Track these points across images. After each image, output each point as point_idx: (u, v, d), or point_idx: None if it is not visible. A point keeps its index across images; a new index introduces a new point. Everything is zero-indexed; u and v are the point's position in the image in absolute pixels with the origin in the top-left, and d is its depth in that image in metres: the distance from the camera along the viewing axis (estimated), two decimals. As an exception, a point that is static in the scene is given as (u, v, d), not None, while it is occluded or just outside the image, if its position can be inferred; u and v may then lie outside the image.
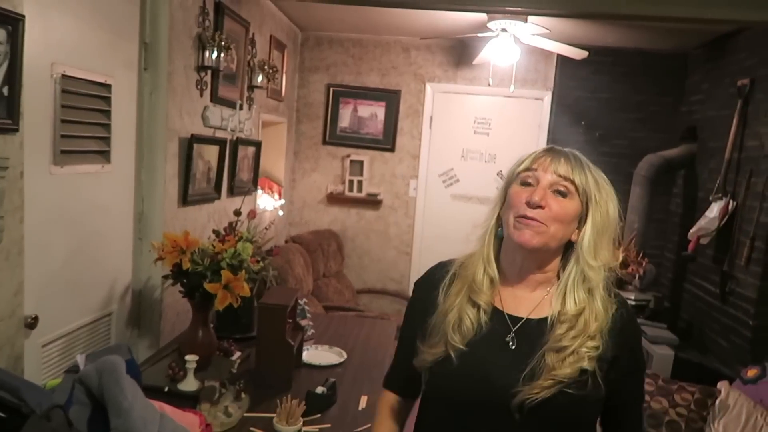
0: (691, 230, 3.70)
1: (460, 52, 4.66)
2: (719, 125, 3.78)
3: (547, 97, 4.65)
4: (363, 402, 1.91)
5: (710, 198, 3.64)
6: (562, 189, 1.08)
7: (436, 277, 1.21)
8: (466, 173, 4.76)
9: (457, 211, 4.73)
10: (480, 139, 4.73)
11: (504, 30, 3.68)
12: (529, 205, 1.06)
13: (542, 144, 4.65)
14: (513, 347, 1.10)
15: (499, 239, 1.17)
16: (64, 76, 1.89)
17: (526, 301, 1.13)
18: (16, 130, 1.60)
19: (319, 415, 1.77)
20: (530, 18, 3.61)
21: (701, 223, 3.61)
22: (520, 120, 4.70)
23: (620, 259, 1.09)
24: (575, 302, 1.08)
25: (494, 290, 1.15)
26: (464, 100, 4.75)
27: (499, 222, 1.15)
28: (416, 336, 1.18)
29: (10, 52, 1.53)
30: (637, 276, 3.97)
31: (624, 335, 1.10)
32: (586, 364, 1.04)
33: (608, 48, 4.44)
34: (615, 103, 4.59)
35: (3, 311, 1.57)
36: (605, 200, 1.11)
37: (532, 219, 1.06)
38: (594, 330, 1.06)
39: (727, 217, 3.47)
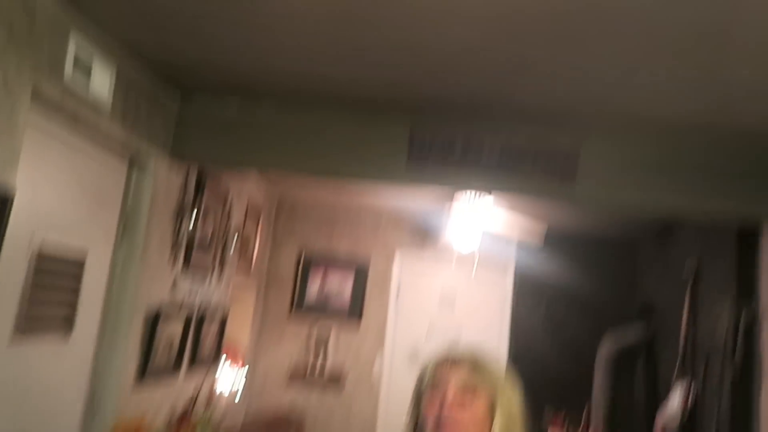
0: (656, 419, 3.65)
1: (428, 226, 4.78)
2: (673, 306, 3.88)
3: (510, 276, 4.79)
4: None
5: (672, 381, 3.64)
6: (468, 393, 1.15)
7: None
8: (431, 351, 4.70)
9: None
10: (445, 313, 4.76)
11: (468, 211, 3.86)
12: (440, 414, 1.13)
13: (506, 322, 4.71)
14: None
15: None
16: (39, 255, 1.86)
17: None
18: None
19: None
20: (494, 202, 3.81)
21: (666, 411, 3.58)
22: (485, 296, 4.80)
23: None
24: None
25: None
26: (431, 275, 4.85)
27: (417, 420, 1.20)
28: None
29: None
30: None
31: None
32: None
33: (566, 231, 4.70)
34: (573, 282, 4.75)
35: None
36: (509, 395, 1.18)
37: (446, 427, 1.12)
38: None
39: (691, 401, 3.45)
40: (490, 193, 3.80)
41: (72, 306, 2.08)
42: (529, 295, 4.77)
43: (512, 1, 1.58)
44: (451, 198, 4.01)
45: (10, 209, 1.57)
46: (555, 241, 4.52)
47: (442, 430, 1.12)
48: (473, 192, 3.77)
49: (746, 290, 3.09)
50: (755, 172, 2.65)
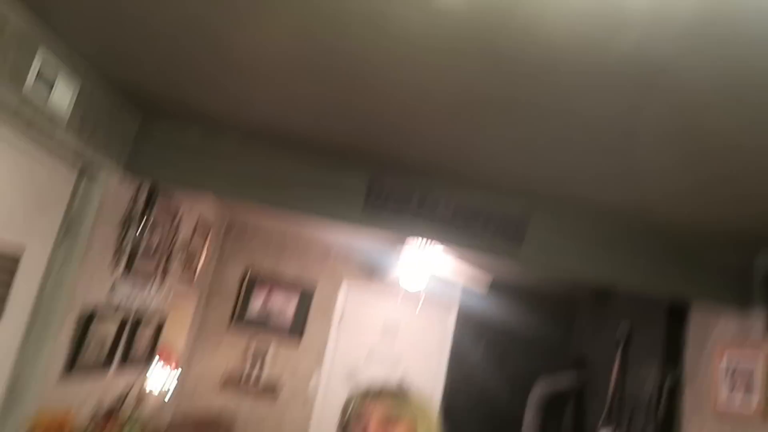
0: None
1: (376, 261, 4.89)
2: (605, 360, 4.05)
3: (452, 316, 4.91)
4: None
5: (597, 429, 3.78)
6: (388, 425, 1.22)
7: None
8: (369, 375, 4.78)
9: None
10: (387, 341, 4.84)
11: (416, 253, 3.98)
12: None
13: (445, 356, 4.81)
14: None
15: None
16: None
17: None
18: None
19: None
20: (444, 248, 3.94)
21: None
22: (427, 331, 4.91)
23: None
24: None
25: None
26: (375, 304, 4.96)
27: None
28: None
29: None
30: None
31: None
32: None
33: (510, 283, 4.85)
34: (514, 327, 4.90)
35: None
36: (428, 423, 1.26)
37: None
38: None
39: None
40: (441, 243, 3.95)
41: (1, 297, 2.09)
42: (469, 334, 4.91)
43: (462, 84, 1.71)
44: (402, 241, 4.13)
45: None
46: (499, 289, 4.72)
47: None
48: (425, 239, 3.91)
49: (672, 357, 3.32)
50: (684, 259, 2.89)
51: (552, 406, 4.42)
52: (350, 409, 1.28)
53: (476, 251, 2.96)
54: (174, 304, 3.91)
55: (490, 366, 4.82)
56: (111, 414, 2.02)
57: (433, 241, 3.76)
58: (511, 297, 4.93)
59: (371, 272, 4.95)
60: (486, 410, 4.71)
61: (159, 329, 3.56)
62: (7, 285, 2.11)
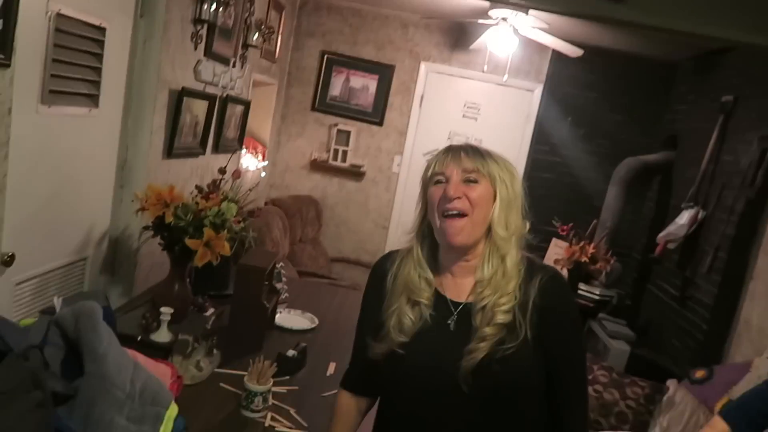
0: (660, 234, 3.82)
1: (457, 35, 4.65)
2: (699, 137, 3.87)
3: (538, 90, 4.69)
4: (331, 368, 1.96)
5: (682, 205, 3.75)
6: (471, 178, 1.18)
7: (384, 269, 1.30)
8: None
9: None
10: (468, 123, 4.76)
11: (504, 19, 3.69)
12: (447, 199, 1.16)
13: (528, 135, 4.71)
14: (453, 329, 1.19)
15: (429, 238, 1.25)
16: (59, 14, 1.85)
17: (465, 286, 1.22)
18: (8, 66, 1.58)
19: (288, 378, 1.82)
20: (531, 11, 3.62)
21: (670, 228, 3.72)
22: (510, 109, 4.74)
23: (528, 227, 1.23)
24: (489, 268, 1.19)
25: (433, 283, 1.24)
26: (456, 83, 4.76)
27: (427, 223, 1.24)
28: (369, 330, 1.27)
29: (9, -16, 1.49)
30: (603, 272, 4.09)
31: (545, 288, 1.17)
32: (500, 318, 1.13)
33: (603, 48, 4.48)
34: (603, 102, 4.65)
35: (-19, 246, 1.56)
36: (509, 178, 1.21)
37: (454, 210, 1.16)
38: (510, 288, 1.16)
39: (695, 225, 3.59)
40: (527, 12, 3.58)
41: (96, 75, 2.11)
42: (555, 111, 4.70)
43: None
44: (485, 13, 3.79)
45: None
46: (590, 56, 4.31)
47: (447, 212, 1.17)
48: (511, 8, 3.56)
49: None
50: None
51: (637, 182, 4.36)
52: (431, 166, 1.23)
53: (572, 14, 2.67)
54: (256, 88, 3.91)
55: (576, 143, 4.69)
56: (210, 190, 2.11)
57: (520, 8, 3.43)
58: (602, 66, 4.59)
59: (451, 50, 4.69)
60: (569, 187, 4.71)
61: (246, 112, 3.61)
62: (99, 60, 2.11)
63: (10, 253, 1.78)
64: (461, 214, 1.16)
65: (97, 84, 2.14)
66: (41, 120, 1.88)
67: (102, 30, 2.10)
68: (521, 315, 1.14)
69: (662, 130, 4.56)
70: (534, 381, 1.17)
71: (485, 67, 4.26)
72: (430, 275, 1.23)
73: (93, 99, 2.15)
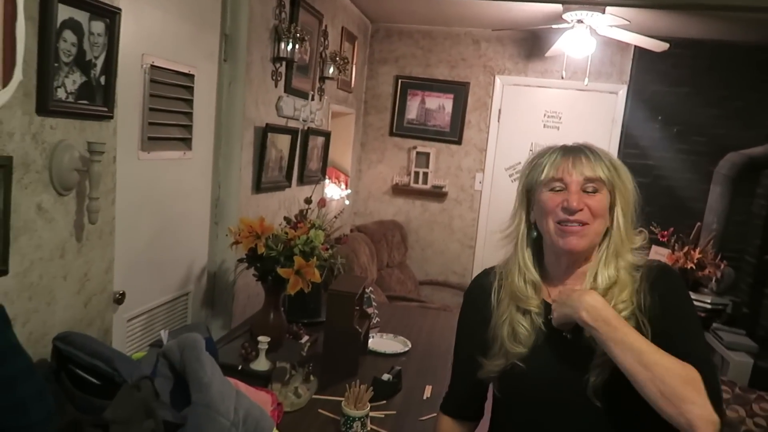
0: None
1: (531, 44, 4.56)
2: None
3: (622, 91, 4.49)
4: (428, 391, 1.93)
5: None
6: (591, 188, 1.12)
7: (485, 285, 1.25)
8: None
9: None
10: (550, 133, 4.62)
11: (580, 21, 3.58)
12: (568, 211, 1.10)
13: (615, 139, 4.50)
14: (570, 338, 1.13)
15: (532, 241, 1.19)
16: (153, 66, 1.99)
17: None
18: (111, 117, 1.70)
19: (384, 402, 1.80)
20: (608, 9, 3.49)
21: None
22: (593, 114, 4.56)
23: (646, 239, 1.14)
24: (604, 278, 1.12)
25: (541, 290, 1.18)
26: (534, 94, 4.65)
27: (530, 226, 1.19)
28: (474, 351, 1.21)
29: (107, 43, 1.62)
30: (714, 279, 3.79)
31: (659, 284, 1.10)
32: None
33: (689, 40, 4.23)
34: (695, 97, 4.37)
35: (95, 287, 1.68)
36: (627, 183, 1.15)
37: (576, 222, 1.10)
38: (624, 296, 1.09)
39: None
40: (603, 11, 3.46)
41: (188, 119, 2.25)
42: (643, 111, 4.47)
43: None
44: (559, 17, 3.70)
45: (119, 21, 1.65)
46: (676, 49, 4.07)
47: (571, 227, 1.10)
48: (586, 8, 3.46)
49: None
50: None
51: (743, 179, 4.03)
52: (545, 170, 1.14)
53: (651, 4, 2.52)
54: (335, 118, 4.02)
55: (669, 144, 4.43)
56: (298, 220, 2.17)
57: (599, 4, 3.31)
58: (691, 59, 4.32)
59: (526, 60, 4.60)
60: (666, 190, 4.44)
61: (327, 143, 3.71)
62: (190, 104, 2.25)
63: (121, 292, 1.90)
64: (581, 223, 1.11)
65: (189, 128, 2.28)
66: (142, 166, 2.02)
67: (191, 77, 2.24)
68: (642, 315, 1.07)
69: (766, 119, 4.21)
70: None
71: (564, 74, 4.14)
72: (536, 277, 1.18)
73: (186, 142, 2.28)
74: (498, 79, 4.66)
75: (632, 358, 0.97)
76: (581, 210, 1.10)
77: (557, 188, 1.12)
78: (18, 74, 1.32)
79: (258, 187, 2.82)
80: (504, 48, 4.64)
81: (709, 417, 0.92)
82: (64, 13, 1.41)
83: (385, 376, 1.85)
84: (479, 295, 1.25)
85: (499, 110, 4.69)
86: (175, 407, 1.37)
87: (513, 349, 1.14)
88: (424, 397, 1.89)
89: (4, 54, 1.28)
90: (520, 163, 4.67)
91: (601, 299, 1.05)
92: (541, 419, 1.14)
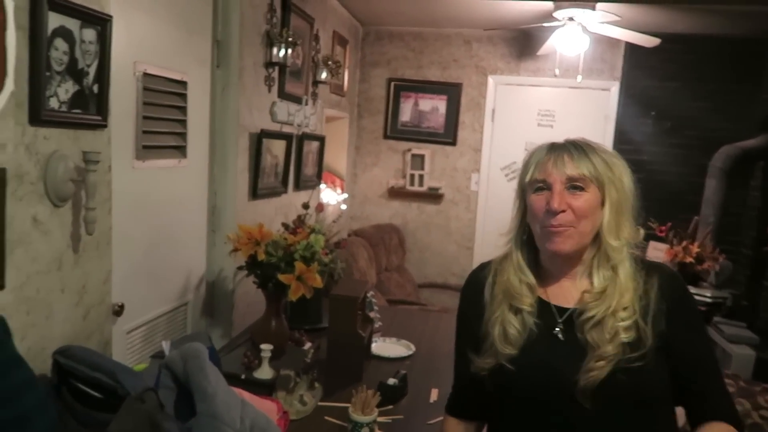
0: (771, 226, 3.50)
1: (523, 43, 4.56)
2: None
3: (615, 88, 4.50)
4: (434, 395, 1.91)
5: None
6: (576, 185, 1.09)
7: (479, 280, 1.23)
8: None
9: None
10: (544, 131, 4.62)
11: (571, 19, 3.59)
12: (550, 213, 1.07)
13: (609, 136, 4.51)
14: (562, 338, 1.11)
15: (529, 242, 1.17)
16: (145, 74, 1.97)
17: (572, 292, 1.14)
18: (105, 126, 1.67)
19: (391, 406, 1.78)
20: (599, 5, 3.50)
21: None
22: (586, 111, 4.57)
23: (642, 235, 1.12)
24: (599, 279, 1.10)
25: (536, 288, 1.16)
26: (527, 92, 4.66)
27: (525, 227, 1.17)
28: (468, 346, 1.20)
29: (99, 51, 1.60)
30: (712, 272, 3.79)
31: (664, 289, 1.08)
32: (623, 336, 1.04)
33: (679, 35, 4.24)
34: (687, 92, 4.39)
35: (93, 299, 1.65)
36: (619, 178, 1.11)
37: (559, 226, 1.07)
38: (625, 302, 1.06)
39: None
40: (594, 8, 3.47)
41: (182, 126, 2.23)
42: (635, 107, 4.48)
43: None
44: (550, 15, 3.70)
45: (111, 28, 1.62)
46: (667, 44, 4.08)
47: (555, 229, 1.08)
48: (577, 6, 3.46)
49: None
50: None
51: (737, 172, 4.03)
52: (531, 171, 1.12)
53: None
54: (329, 122, 4.00)
55: (663, 138, 4.44)
56: (296, 225, 2.15)
57: (585, 4, 3.32)
58: (682, 53, 4.33)
59: (518, 59, 4.60)
60: (661, 185, 4.44)
61: (321, 148, 3.69)
62: (184, 111, 2.23)
63: (119, 303, 1.87)
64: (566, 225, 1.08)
65: (183, 135, 2.25)
66: (136, 175, 1.99)
67: (184, 84, 2.21)
68: (644, 323, 1.05)
69: (758, 111, 4.22)
70: (663, 387, 1.08)
71: (556, 71, 4.14)
72: (532, 279, 1.15)
73: (181, 150, 2.26)
74: (491, 79, 4.66)
75: None
76: (564, 211, 1.07)
77: (541, 188, 1.10)
78: (9, 84, 1.29)
79: (254, 193, 2.79)
80: (495, 48, 4.64)
81: None
82: (54, 21, 1.38)
83: (391, 381, 1.82)
84: (474, 289, 1.23)
85: (493, 110, 4.69)
86: (180, 419, 1.34)
87: (503, 350, 1.12)
88: (431, 401, 1.87)
89: (-6, 64, 1.25)
90: (515, 162, 4.69)
91: None
92: (531, 419, 1.12)
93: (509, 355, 1.11)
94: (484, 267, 1.25)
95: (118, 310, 1.87)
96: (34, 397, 1.12)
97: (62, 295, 1.51)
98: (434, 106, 4.75)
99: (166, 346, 1.62)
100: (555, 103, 4.61)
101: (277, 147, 3.02)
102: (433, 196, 4.80)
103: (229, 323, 2.62)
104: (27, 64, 1.33)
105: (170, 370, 1.43)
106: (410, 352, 2.27)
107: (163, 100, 2.10)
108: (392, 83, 4.78)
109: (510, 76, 4.65)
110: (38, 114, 1.36)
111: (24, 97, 1.33)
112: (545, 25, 3.80)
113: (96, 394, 1.28)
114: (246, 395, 1.58)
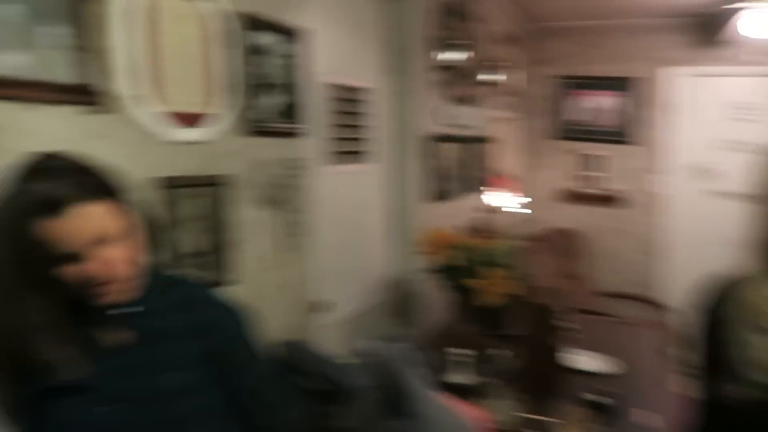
0: None
1: (704, 29, 4.04)
2: None
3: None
4: (649, 418, 1.71)
5: None
6: None
7: (718, 295, 1.08)
8: (727, 166, 4.10)
9: (715, 210, 4.09)
10: (743, 126, 4.06)
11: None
12: None
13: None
14: None
15: None
16: (331, 84, 2.04)
17: None
18: (306, 135, 1.76)
19: (605, 429, 1.62)
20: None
21: None
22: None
23: None
24: None
25: None
26: (712, 84, 4.15)
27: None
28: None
29: (300, 65, 1.68)
30: None
31: None
32: None
33: None
34: None
35: (299, 295, 1.73)
36: None
37: None
38: None
39: None
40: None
41: (366, 132, 2.30)
42: None
43: None
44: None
45: (311, 42, 1.70)
46: None
47: None
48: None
49: None
50: None
51: None
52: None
53: None
54: (498, 124, 3.91)
55: None
56: (481, 227, 2.08)
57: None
58: None
59: (698, 46, 4.10)
60: None
61: (491, 151, 3.61)
62: (366, 117, 2.29)
63: (321, 300, 1.93)
64: None
65: (365, 141, 2.32)
66: (328, 179, 2.07)
67: (365, 92, 2.29)
68: None
69: None
70: None
71: (745, 58, 3.61)
72: None
73: (364, 155, 2.33)
74: (668, 72, 4.22)
75: None
76: None
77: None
78: (228, 100, 1.40)
79: (431, 196, 2.78)
80: (671, 37, 4.19)
81: None
82: (261, 38, 1.48)
83: (606, 400, 1.66)
84: (713, 305, 1.08)
85: (673, 104, 4.24)
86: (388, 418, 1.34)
87: (750, 376, 0.96)
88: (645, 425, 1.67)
89: (213, 83, 1.36)
90: (708, 162, 4.18)
91: None
92: None
93: (761, 383, 0.96)
94: (725, 279, 1.09)
95: (319, 307, 1.93)
96: (285, 381, 1.16)
97: (275, 291, 1.60)
98: (608, 103, 4.42)
99: (368, 345, 1.63)
100: (755, 94, 4.04)
101: (449, 150, 2.99)
102: (608, 198, 4.46)
103: (416, 325, 2.63)
104: (241, 81, 1.44)
105: (377, 370, 1.43)
106: (615, 368, 2.07)
107: (348, 108, 2.17)
108: (561, 81, 4.54)
109: (688, 67, 4.17)
110: (251, 125, 1.47)
111: (239, 111, 1.44)
112: (725, 7, 3.34)
113: (319, 387, 1.31)
114: (450, 401, 1.53)
